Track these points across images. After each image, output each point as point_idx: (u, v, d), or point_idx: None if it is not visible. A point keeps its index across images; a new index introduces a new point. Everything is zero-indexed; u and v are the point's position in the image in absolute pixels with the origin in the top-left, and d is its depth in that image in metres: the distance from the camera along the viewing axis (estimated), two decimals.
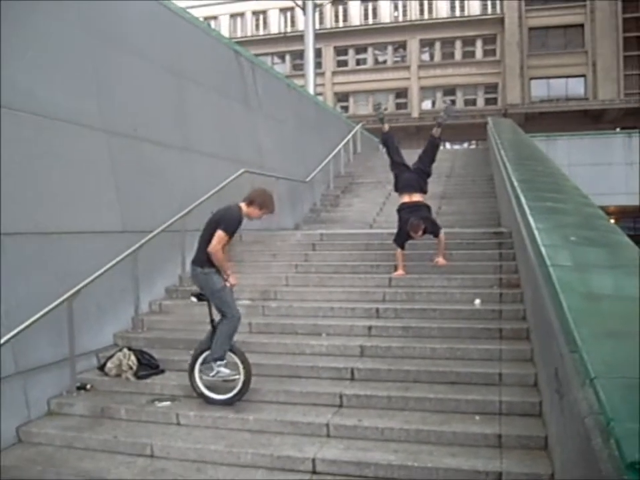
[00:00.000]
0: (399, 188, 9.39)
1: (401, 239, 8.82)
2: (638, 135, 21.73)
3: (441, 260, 8.71)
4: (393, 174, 9.62)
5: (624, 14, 37.30)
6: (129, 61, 8.72)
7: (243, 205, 6.31)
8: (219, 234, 6.05)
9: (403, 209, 9.08)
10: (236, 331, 6.25)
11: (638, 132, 22.35)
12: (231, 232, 6.15)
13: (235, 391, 6.11)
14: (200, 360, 6.25)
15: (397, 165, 9.53)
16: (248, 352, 6.96)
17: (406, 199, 9.15)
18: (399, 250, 8.82)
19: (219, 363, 6.10)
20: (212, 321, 6.23)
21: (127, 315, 7.90)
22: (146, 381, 6.70)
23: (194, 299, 6.42)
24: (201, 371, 6.24)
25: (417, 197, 9.13)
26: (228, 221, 6.14)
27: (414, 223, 8.48)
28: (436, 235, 8.79)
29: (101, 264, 7.01)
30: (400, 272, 8.73)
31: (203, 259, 6.16)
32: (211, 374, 6.14)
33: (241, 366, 6.09)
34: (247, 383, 6.09)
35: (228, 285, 6.24)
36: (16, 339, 5.77)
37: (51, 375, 6.47)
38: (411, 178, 9.24)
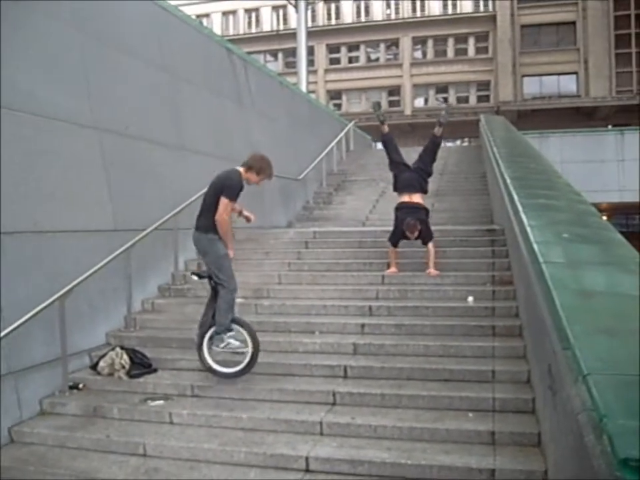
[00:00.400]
0: (399, 188, 9.27)
1: (396, 237, 8.77)
2: (635, 131, 21.74)
3: (432, 271, 8.48)
4: (392, 174, 9.52)
5: (615, 12, 37.37)
6: (121, 59, 8.68)
7: (241, 170, 6.49)
8: (224, 202, 6.20)
9: (400, 209, 8.98)
10: (234, 301, 6.40)
11: (633, 129, 22.40)
12: (234, 198, 6.28)
13: (243, 364, 6.28)
14: (207, 335, 6.42)
15: (397, 164, 9.41)
16: None
17: (406, 198, 9.05)
18: (392, 247, 8.78)
19: (229, 334, 6.27)
20: (213, 296, 6.43)
21: (119, 314, 7.87)
22: (139, 380, 6.67)
23: (195, 277, 6.83)
24: (210, 343, 6.40)
25: (417, 198, 9.03)
26: (230, 188, 6.26)
27: (410, 223, 8.47)
28: (425, 242, 8.69)
29: (94, 263, 6.98)
30: (393, 269, 8.68)
31: (209, 225, 6.29)
32: (222, 345, 6.31)
33: (249, 339, 6.26)
34: (254, 356, 6.26)
35: (231, 255, 6.44)
36: (8, 338, 5.75)
37: (43, 374, 6.44)
38: (412, 177, 9.15)
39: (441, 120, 9.60)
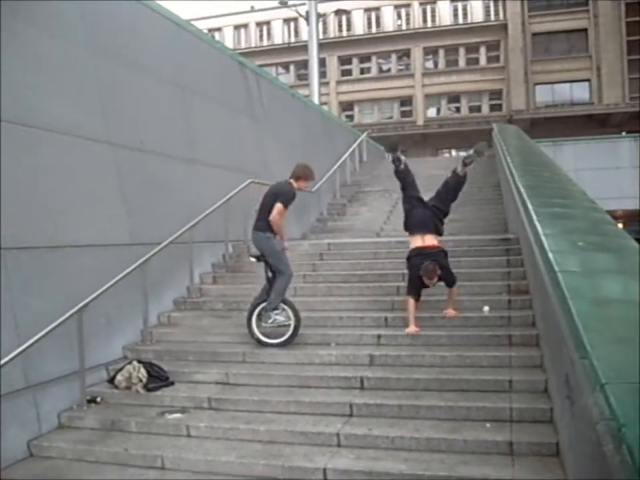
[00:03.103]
0: (411, 226, 7.92)
1: (415, 287, 7.48)
2: None
3: (450, 311, 7.60)
4: (404, 209, 8.16)
5: (627, 18, 37.19)
6: (134, 75, 8.77)
7: (292, 181, 7.74)
8: (278, 207, 7.46)
9: (414, 256, 7.66)
10: (288, 286, 7.66)
11: None
12: (287, 205, 7.57)
13: (286, 336, 7.38)
14: (256, 312, 7.53)
15: (410, 198, 8.08)
16: (258, 363, 7.09)
17: (418, 242, 7.71)
18: (411, 301, 7.44)
19: (275, 312, 7.40)
20: (268, 278, 7.58)
21: (135, 328, 7.92)
22: (156, 393, 6.70)
23: (253, 259, 7.98)
24: (259, 319, 7.52)
25: (430, 239, 7.71)
26: (285, 197, 7.54)
27: (429, 267, 7.26)
28: (451, 285, 7.62)
29: (110, 277, 7.03)
30: (413, 328, 7.34)
31: (265, 226, 7.54)
32: (269, 321, 7.44)
33: (292, 315, 7.39)
34: (296, 328, 7.39)
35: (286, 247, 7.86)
36: (26, 353, 5.80)
37: (61, 388, 6.49)
38: (426, 215, 7.83)
39: (466, 161, 8.12)
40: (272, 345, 7.37)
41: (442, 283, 7.62)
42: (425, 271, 7.27)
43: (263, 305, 7.46)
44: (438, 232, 7.92)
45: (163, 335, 8.14)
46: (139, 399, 6.67)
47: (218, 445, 5.64)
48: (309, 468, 5.08)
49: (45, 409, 6.26)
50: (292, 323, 7.35)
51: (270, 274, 7.58)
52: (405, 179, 8.18)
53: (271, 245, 7.56)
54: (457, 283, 7.64)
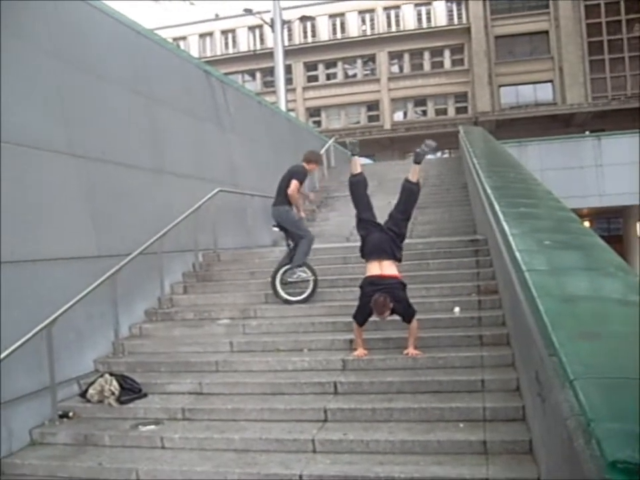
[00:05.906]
0: (367, 252, 7.24)
1: (362, 316, 6.96)
2: (612, 137, 21.97)
3: (411, 350, 6.79)
4: (360, 235, 7.44)
5: (587, 19, 37.91)
6: (98, 85, 8.68)
7: (304, 164, 9.27)
8: (294, 183, 8.96)
9: (367, 285, 7.01)
10: (311, 247, 9.04)
11: (609, 134, 22.65)
12: (301, 181, 9.08)
13: (307, 293, 8.68)
14: (280, 273, 8.84)
15: (365, 222, 7.37)
16: (231, 371, 7.06)
17: (375, 269, 7.02)
18: (357, 326, 7.03)
19: (300, 269, 8.80)
20: (288, 245, 9.21)
21: (107, 340, 7.83)
22: (129, 405, 6.64)
23: (275, 229, 9.44)
24: (282, 279, 8.82)
25: (388, 267, 7.03)
26: (299, 175, 9.10)
27: (379, 300, 6.59)
28: (408, 320, 6.89)
29: (79, 290, 6.96)
30: (361, 351, 6.94)
31: (284, 201, 9.07)
32: (294, 276, 8.81)
33: (310, 273, 8.74)
34: (315, 287, 8.69)
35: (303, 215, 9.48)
36: None
37: (31, 404, 6.40)
38: (382, 239, 7.13)
39: (420, 151, 7.48)
40: (296, 302, 8.59)
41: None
42: (375, 304, 6.63)
43: (286, 267, 8.81)
44: (395, 257, 7.17)
45: (135, 346, 8.06)
46: (112, 412, 6.61)
47: (193, 456, 5.61)
48: (285, 475, 5.07)
49: (15, 425, 6.16)
50: (311, 279, 8.69)
51: (290, 241, 9.11)
52: (359, 188, 7.55)
53: (290, 216, 9.08)
54: (416, 317, 6.89)
